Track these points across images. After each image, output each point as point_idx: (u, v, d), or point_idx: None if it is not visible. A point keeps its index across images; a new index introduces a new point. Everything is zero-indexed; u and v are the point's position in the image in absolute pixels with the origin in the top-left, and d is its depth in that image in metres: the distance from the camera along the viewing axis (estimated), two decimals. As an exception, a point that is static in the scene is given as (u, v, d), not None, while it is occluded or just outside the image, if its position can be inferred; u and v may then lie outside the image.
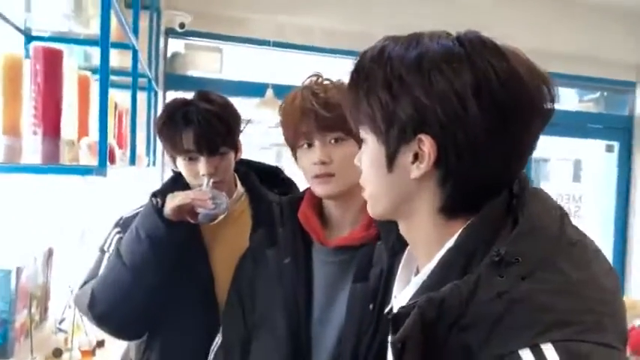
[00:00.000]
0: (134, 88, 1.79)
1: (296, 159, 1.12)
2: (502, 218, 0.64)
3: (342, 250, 1.02)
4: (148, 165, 2.39)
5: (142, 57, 2.08)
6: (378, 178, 0.70)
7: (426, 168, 0.65)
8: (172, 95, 3.26)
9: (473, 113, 0.62)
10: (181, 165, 1.37)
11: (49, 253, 1.64)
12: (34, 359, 1.40)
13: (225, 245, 1.35)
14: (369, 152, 0.70)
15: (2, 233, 1.45)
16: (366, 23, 3.23)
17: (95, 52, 2.06)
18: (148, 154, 2.46)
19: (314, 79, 1.12)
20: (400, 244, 0.77)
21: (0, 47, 1.21)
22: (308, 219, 1.09)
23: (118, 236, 1.40)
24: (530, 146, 0.67)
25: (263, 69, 3.59)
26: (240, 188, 1.46)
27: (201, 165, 1.33)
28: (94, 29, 1.73)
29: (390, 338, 0.60)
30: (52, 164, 1.13)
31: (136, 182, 1.94)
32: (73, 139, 1.30)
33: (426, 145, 0.64)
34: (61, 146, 1.22)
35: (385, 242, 0.82)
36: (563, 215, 0.65)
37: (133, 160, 1.80)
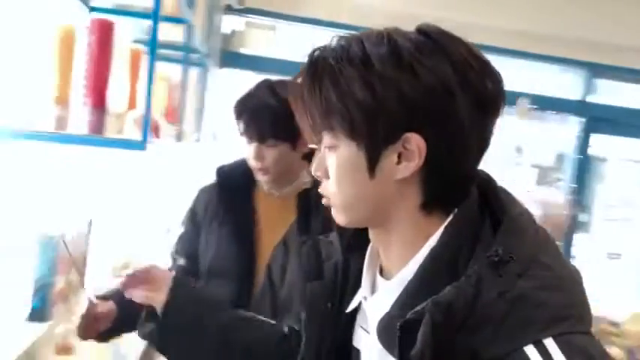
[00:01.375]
0: (185, 63, 1.78)
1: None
2: (479, 216, 0.65)
3: None
4: (197, 141, 2.40)
5: (198, 33, 2.07)
6: (355, 185, 0.65)
7: (415, 167, 0.63)
8: (228, 72, 3.26)
9: (460, 105, 0.61)
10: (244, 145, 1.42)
11: (89, 225, 1.67)
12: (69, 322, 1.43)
13: (274, 224, 1.37)
14: (342, 158, 0.65)
15: (48, 201, 1.48)
16: (424, 7, 3.12)
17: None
18: (197, 130, 2.47)
19: None
20: (356, 243, 0.74)
21: (61, 18, 1.21)
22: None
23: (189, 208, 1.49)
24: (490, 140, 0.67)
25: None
26: (304, 177, 1.42)
27: (249, 151, 1.37)
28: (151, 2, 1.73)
29: (396, 342, 0.59)
30: (93, 136, 1.13)
31: (184, 157, 1.93)
32: (121, 111, 1.30)
33: (413, 143, 0.62)
34: (107, 118, 1.22)
35: (340, 238, 0.75)
36: (531, 213, 0.66)
37: (179, 136, 1.80)
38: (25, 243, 1.35)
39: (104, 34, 1.19)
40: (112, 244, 1.85)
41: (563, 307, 0.59)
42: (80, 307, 1.19)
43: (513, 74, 4.35)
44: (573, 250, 4.13)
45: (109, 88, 1.21)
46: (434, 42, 0.62)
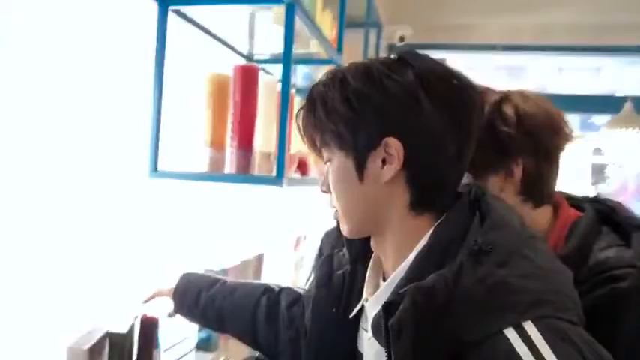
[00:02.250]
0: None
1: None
2: (469, 219, 0.69)
3: None
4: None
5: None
6: (349, 192, 0.74)
7: (397, 168, 0.70)
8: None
9: (427, 108, 0.69)
10: None
11: (260, 258, 1.76)
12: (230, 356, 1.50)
13: None
14: (336, 169, 0.75)
15: (214, 238, 1.60)
16: (601, 15, 2.76)
17: (313, 71, 2.18)
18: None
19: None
20: (362, 252, 0.81)
21: (214, 69, 1.34)
22: None
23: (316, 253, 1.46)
24: (474, 145, 0.73)
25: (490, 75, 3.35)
26: None
27: None
28: (314, 49, 1.82)
29: (382, 322, 0.64)
30: (240, 174, 1.20)
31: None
32: (270, 151, 1.37)
33: (393, 147, 0.70)
34: (254, 158, 1.29)
35: (348, 249, 0.83)
36: (519, 216, 0.72)
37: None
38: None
39: (248, 79, 1.27)
40: (282, 276, 1.94)
41: (542, 292, 0.62)
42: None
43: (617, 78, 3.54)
44: None
45: (255, 129, 1.29)
46: (404, 63, 0.72)
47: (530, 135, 0.93)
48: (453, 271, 0.62)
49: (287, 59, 1.21)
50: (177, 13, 1.33)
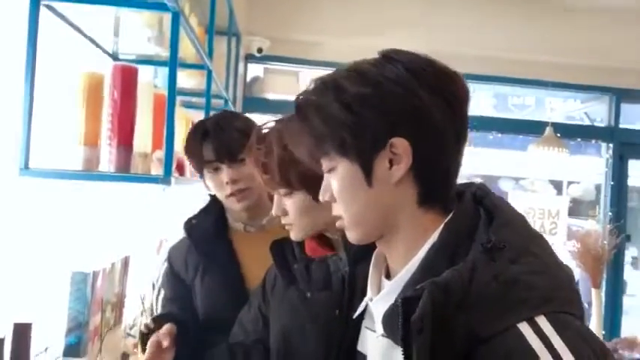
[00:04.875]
0: (207, 109, 1.88)
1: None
2: (476, 215, 0.71)
3: None
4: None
5: (219, 80, 2.19)
6: (358, 198, 0.72)
7: (406, 167, 0.69)
8: (252, 117, 3.38)
9: (426, 102, 0.69)
10: (208, 178, 1.40)
11: (126, 261, 1.73)
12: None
13: (260, 262, 1.26)
14: (340, 177, 0.73)
15: (82, 239, 1.55)
16: (444, 44, 3.20)
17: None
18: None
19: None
20: (361, 253, 0.80)
21: (87, 67, 1.32)
22: (315, 248, 1.08)
23: (164, 268, 1.46)
24: (467, 134, 0.74)
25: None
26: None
27: (224, 173, 1.35)
28: (180, 53, 1.85)
29: (400, 321, 0.64)
30: (120, 173, 1.20)
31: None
32: (147, 151, 1.38)
33: (399, 146, 0.69)
34: (133, 157, 1.30)
35: (347, 251, 0.82)
36: (521, 214, 0.73)
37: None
38: (59, 280, 1.41)
39: (127, 79, 1.28)
40: (146, 279, 1.92)
41: (552, 289, 0.64)
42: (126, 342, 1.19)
43: (540, 104, 4.36)
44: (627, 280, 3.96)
45: (134, 129, 1.30)
46: (391, 60, 0.71)
47: None
48: (468, 267, 0.63)
49: (173, 64, 1.26)
50: (49, 8, 1.29)
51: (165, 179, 1.20)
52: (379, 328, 0.74)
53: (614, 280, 3.81)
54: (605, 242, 3.46)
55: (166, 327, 1.12)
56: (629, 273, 4.07)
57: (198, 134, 1.38)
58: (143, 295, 1.73)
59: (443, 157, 0.71)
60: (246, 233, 1.42)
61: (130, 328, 1.79)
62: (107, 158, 1.26)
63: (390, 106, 0.69)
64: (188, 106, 2.27)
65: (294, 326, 1.06)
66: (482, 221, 0.69)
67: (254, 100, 3.47)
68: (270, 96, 3.50)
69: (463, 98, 0.72)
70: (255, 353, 1.12)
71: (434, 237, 0.71)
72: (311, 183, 1.00)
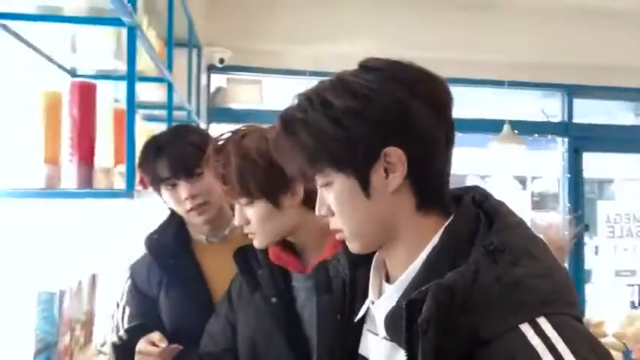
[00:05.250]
0: (169, 121, 1.89)
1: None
2: (475, 220, 0.72)
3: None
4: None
5: (181, 91, 2.19)
6: (358, 211, 0.73)
7: (402, 175, 0.70)
8: (216, 127, 3.39)
9: (416, 109, 0.70)
10: (166, 195, 1.39)
11: (94, 279, 1.71)
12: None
13: (224, 272, 1.27)
14: (338, 192, 0.73)
15: (47, 258, 1.53)
16: (404, 49, 3.27)
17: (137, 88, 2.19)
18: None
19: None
20: (361, 258, 0.80)
21: (46, 85, 1.31)
22: (279, 256, 1.11)
23: (127, 285, 1.46)
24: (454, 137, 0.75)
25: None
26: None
27: (181, 189, 1.35)
28: (138, 66, 1.85)
29: (403, 324, 0.64)
30: (83, 189, 1.20)
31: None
32: (109, 166, 1.38)
33: (393, 155, 0.70)
34: (95, 173, 1.30)
35: (347, 256, 0.82)
36: (520, 216, 0.74)
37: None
38: (25, 301, 1.39)
39: (86, 96, 1.28)
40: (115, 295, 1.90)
41: (553, 291, 0.65)
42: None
43: (496, 103, 4.49)
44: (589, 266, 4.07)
45: (95, 145, 1.30)
46: (372, 69, 0.72)
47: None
48: (471, 269, 0.64)
49: (131, 78, 1.27)
50: (4, 27, 1.29)
51: (128, 193, 1.21)
52: (381, 330, 0.75)
53: (576, 268, 3.94)
54: (565, 233, 3.58)
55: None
56: (591, 262, 4.21)
57: (151, 151, 1.37)
58: (112, 313, 1.71)
59: (436, 162, 0.72)
60: (209, 244, 1.43)
61: (102, 345, 1.77)
62: (69, 175, 1.26)
63: (379, 117, 0.69)
64: (151, 119, 2.26)
65: (260, 332, 1.09)
66: (482, 224, 0.70)
67: (218, 111, 3.47)
68: (235, 106, 3.50)
69: (447, 102, 0.73)
70: None
71: (434, 240, 0.72)
72: (271, 191, 1.02)
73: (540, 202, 6.66)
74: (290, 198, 1.05)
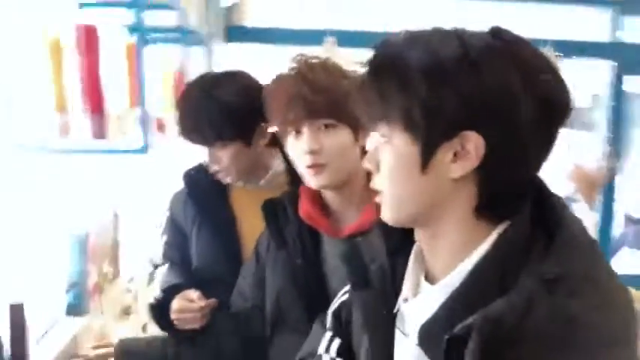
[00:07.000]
0: (184, 45, 1.78)
1: (285, 147, 1.07)
2: (531, 227, 0.64)
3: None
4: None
5: (193, 13, 2.06)
6: (407, 180, 0.64)
7: (471, 166, 0.61)
8: (236, 48, 3.25)
9: (523, 110, 0.60)
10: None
11: (116, 218, 1.74)
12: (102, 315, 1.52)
13: (256, 219, 1.23)
14: (395, 152, 0.64)
15: (71, 202, 1.55)
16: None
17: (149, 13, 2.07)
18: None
19: (301, 59, 1.04)
20: (401, 245, 0.72)
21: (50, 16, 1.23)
22: (310, 215, 1.06)
23: (167, 215, 1.46)
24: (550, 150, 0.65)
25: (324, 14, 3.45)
26: (278, 167, 1.38)
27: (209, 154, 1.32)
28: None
29: (442, 354, 0.59)
30: (93, 145, 1.16)
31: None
32: (123, 111, 1.33)
33: (472, 142, 0.60)
34: (108, 121, 1.25)
35: (386, 241, 0.73)
36: (583, 225, 0.65)
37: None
38: (56, 242, 1.42)
39: (89, 40, 1.21)
40: (138, 236, 1.94)
41: (614, 329, 0.59)
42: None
43: (535, 21, 4.16)
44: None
45: (105, 90, 1.25)
46: (505, 44, 0.62)
47: None
48: (524, 298, 0.58)
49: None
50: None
51: (142, 149, 1.16)
52: (410, 331, 0.69)
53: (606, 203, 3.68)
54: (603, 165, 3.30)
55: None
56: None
57: (182, 108, 1.32)
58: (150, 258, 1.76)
59: (517, 171, 0.63)
60: (245, 191, 1.40)
61: (129, 281, 1.84)
62: (80, 126, 1.22)
63: (479, 97, 0.59)
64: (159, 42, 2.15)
65: (285, 290, 1.08)
66: (538, 237, 0.63)
67: (236, 29, 3.31)
68: (252, 24, 3.33)
69: (565, 111, 0.63)
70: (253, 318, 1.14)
71: (485, 246, 0.63)
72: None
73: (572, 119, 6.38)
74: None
